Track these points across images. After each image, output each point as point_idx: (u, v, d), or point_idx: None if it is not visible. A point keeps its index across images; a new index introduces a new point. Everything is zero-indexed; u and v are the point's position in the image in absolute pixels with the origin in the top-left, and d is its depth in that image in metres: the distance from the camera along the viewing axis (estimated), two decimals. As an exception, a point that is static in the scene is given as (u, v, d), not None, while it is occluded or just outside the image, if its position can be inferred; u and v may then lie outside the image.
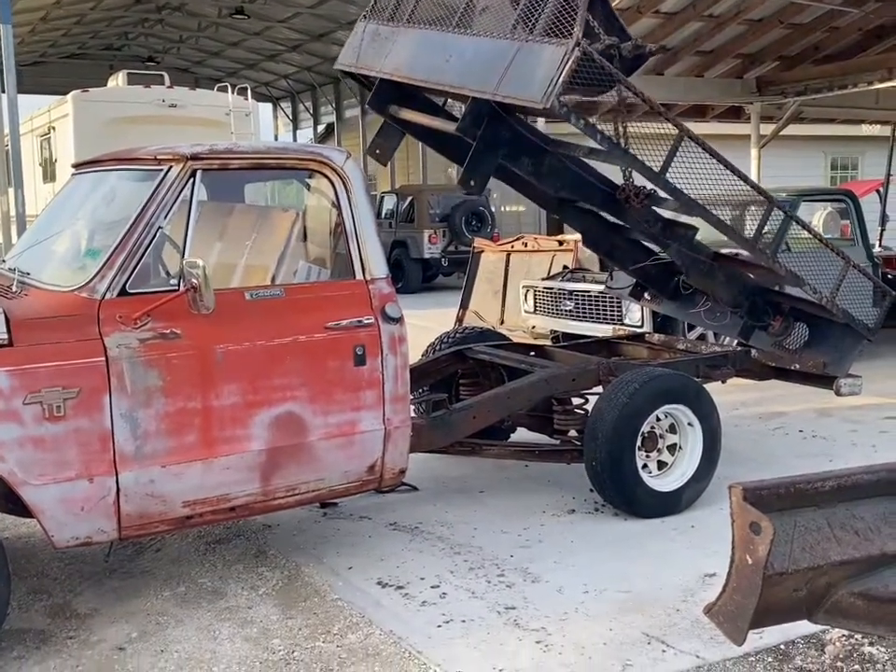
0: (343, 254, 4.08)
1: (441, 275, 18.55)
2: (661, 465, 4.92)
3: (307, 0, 23.57)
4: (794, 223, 5.07)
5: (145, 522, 3.62)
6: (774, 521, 2.42)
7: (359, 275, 4.09)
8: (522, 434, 5.74)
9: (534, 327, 9.73)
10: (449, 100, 5.42)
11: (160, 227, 3.68)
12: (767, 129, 12.98)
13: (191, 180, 3.76)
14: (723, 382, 5.70)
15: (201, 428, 3.65)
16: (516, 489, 5.33)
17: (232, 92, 14.65)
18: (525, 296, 9.42)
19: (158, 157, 3.85)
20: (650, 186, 4.81)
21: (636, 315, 8.05)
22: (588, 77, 4.14)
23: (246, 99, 15.02)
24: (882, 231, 12.56)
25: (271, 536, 4.67)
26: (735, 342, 7.31)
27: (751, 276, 5.49)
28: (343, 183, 4.08)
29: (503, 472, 5.60)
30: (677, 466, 4.91)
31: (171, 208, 3.71)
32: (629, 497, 4.73)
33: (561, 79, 4.06)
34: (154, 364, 3.55)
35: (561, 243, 10.42)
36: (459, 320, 10.80)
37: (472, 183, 4.72)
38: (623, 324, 8.08)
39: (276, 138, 37.09)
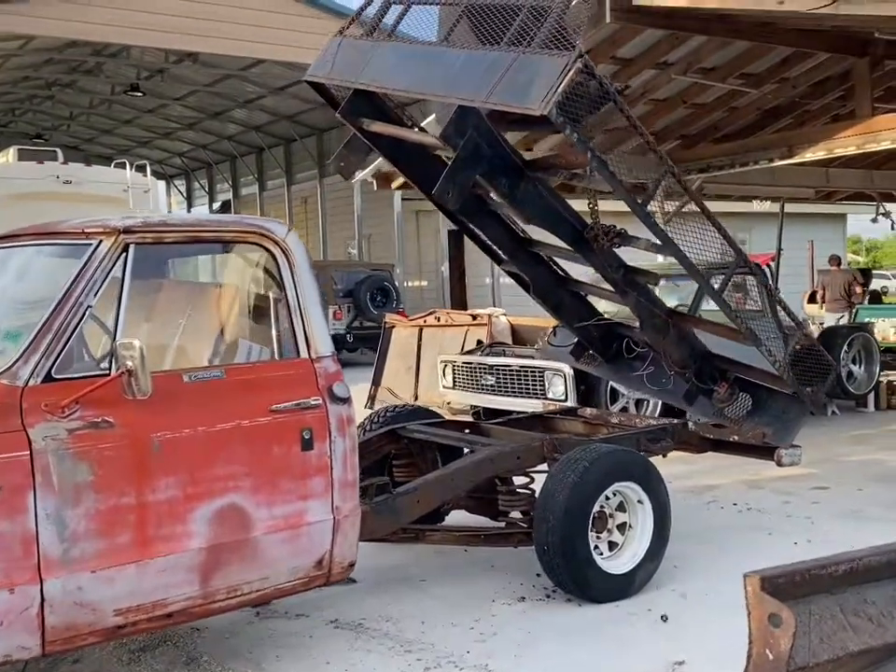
0: (287, 331, 3.83)
1: (346, 351, 18.25)
2: (612, 545, 4.74)
3: (204, 78, 23.42)
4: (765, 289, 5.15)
5: (72, 634, 3.22)
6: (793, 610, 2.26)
7: (304, 353, 3.83)
8: (456, 517, 5.48)
9: (449, 402, 9.54)
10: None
11: (89, 306, 3.36)
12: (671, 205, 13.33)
13: (124, 255, 3.46)
14: (664, 456, 5.61)
15: (135, 527, 3.30)
16: (459, 576, 5.07)
17: (130, 169, 14.30)
18: (444, 371, 9.24)
19: (86, 231, 3.54)
20: (619, 226, 4.83)
21: (559, 388, 7.95)
22: (577, 101, 4.08)
23: (145, 175, 14.71)
24: (778, 302, 12.99)
25: (201, 640, 4.27)
26: (658, 411, 7.30)
27: (700, 339, 5.47)
28: (286, 256, 3.84)
29: (442, 558, 5.33)
30: (628, 546, 4.75)
31: (101, 285, 3.40)
32: (583, 582, 4.52)
33: (561, 87, 3.97)
34: (84, 457, 3.20)
35: (475, 317, 10.34)
36: (371, 398, 10.52)
37: (449, 194, 4.53)
38: (546, 398, 7.97)
39: (169, 215, 36.47)
